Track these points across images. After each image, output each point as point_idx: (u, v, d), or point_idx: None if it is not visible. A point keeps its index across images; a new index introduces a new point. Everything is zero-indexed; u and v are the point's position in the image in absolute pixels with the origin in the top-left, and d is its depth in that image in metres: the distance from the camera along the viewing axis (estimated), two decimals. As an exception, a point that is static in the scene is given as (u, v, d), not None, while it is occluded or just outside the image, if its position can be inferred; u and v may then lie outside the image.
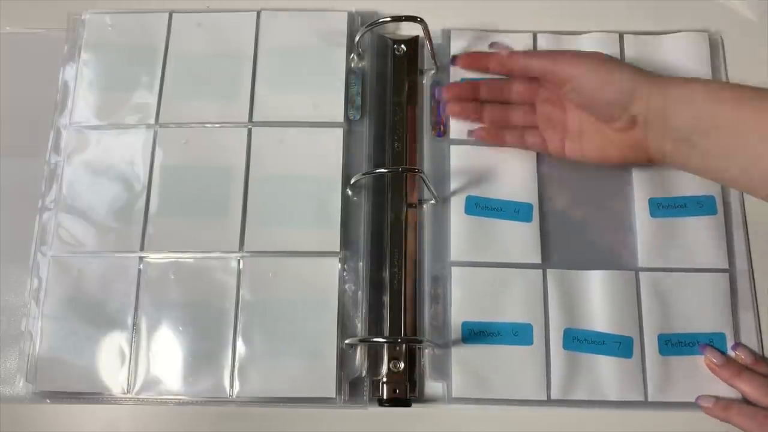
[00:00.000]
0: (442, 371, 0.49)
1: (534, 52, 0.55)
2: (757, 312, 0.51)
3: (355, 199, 0.53)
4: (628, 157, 0.49)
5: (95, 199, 0.53)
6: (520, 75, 0.53)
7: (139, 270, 0.51)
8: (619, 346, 0.49)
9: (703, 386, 0.49)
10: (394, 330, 0.50)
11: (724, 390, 0.49)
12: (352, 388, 0.49)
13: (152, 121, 0.55)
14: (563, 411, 0.49)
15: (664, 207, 0.52)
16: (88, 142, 0.55)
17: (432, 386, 0.50)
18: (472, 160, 0.54)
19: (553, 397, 0.49)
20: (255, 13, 0.57)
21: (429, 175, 0.53)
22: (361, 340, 0.49)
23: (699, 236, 0.52)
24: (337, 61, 0.56)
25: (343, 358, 0.49)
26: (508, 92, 0.53)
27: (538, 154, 0.54)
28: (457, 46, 0.56)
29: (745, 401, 0.48)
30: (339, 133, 0.54)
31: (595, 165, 0.51)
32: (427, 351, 0.50)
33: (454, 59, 0.56)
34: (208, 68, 0.56)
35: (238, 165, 0.53)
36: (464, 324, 0.50)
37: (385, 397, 0.49)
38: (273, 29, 0.57)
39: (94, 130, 0.55)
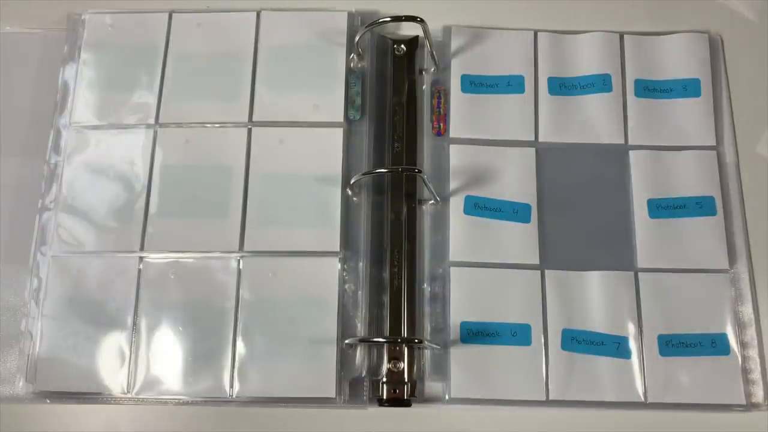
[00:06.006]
0: (442, 371, 0.49)
1: None
2: (758, 313, 0.51)
3: (355, 199, 0.53)
4: None
5: (95, 199, 0.53)
6: None
7: (139, 270, 0.51)
8: (618, 346, 0.49)
9: (703, 387, 0.49)
10: (394, 330, 0.50)
11: (725, 392, 0.49)
12: (351, 388, 0.49)
13: (152, 121, 0.55)
14: (561, 411, 0.49)
15: (663, 208, 0.52)
16: (88, 142, 0.55)
17: (431, 386, 0.50)
18: (471, 160, 0.54)
19: (551, 397, 0.49)
20: (255, 13, 0.57)
21: (429, 174, 0.53)
22: (361, 340, 0.49)
23: (699, 237, 0.52)
24: (337, 61, 0.56)
25: (343, 358, 0.49)
26: None
27: (537, 155, 0.54)
28: (457, 44, 0.56)
29: None
30: (339, 133, 0.54)
31: None
32: (427, 351, 0.50)
33: None
34: (208, 68, 0.56)
35: (238, 165, 0.53)
36: (463, 324, 0.50)
37: (384, 397, 0.49)
38: (273, 29, 0.57)
39: (94, 130, 0.55)
